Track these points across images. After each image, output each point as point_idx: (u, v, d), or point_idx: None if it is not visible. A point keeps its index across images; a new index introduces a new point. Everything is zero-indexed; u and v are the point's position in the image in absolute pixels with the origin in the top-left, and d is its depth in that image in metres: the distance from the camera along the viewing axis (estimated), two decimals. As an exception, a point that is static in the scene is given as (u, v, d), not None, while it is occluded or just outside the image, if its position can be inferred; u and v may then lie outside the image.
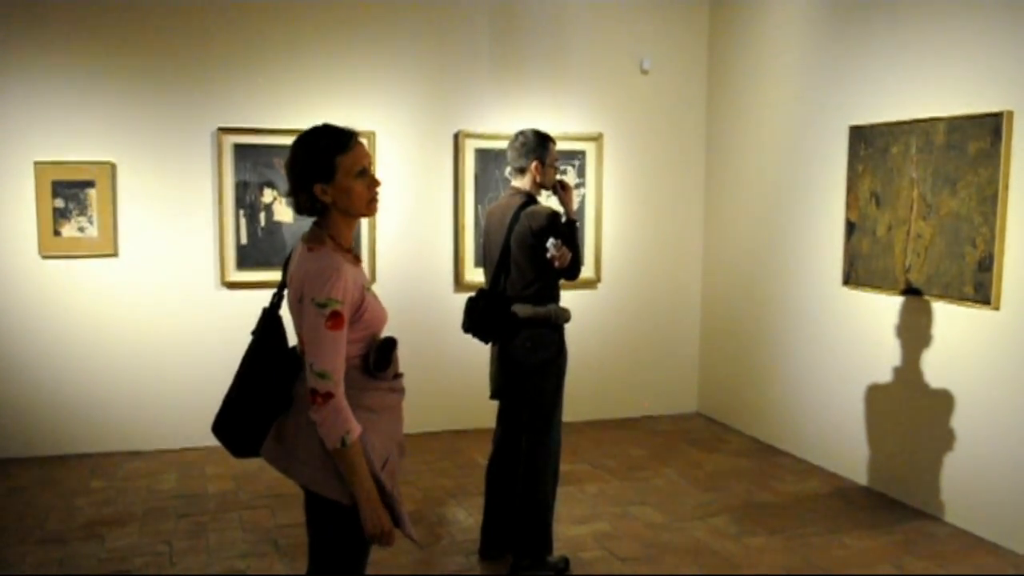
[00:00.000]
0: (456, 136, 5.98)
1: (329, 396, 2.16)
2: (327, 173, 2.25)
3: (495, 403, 4.03)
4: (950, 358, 4.46)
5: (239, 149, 5.60)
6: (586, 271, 6.13)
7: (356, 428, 2.19)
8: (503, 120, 5.98)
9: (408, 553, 4.04)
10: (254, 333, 2.39)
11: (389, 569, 3.88)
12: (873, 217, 4.89)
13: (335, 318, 2.17)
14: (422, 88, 5.93)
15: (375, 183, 2.32)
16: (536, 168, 3.79)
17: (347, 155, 2.26)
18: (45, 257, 5.40)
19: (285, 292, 2.41)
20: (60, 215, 5.39)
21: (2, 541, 4.21)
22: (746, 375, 6.15)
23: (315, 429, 2.22)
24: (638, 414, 6.56)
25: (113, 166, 5.45)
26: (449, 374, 5.98)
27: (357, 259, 2.36)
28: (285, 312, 2.36)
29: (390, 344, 2.35)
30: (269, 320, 2.37)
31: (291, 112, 5.64)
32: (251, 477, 5.00)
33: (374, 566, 2.47)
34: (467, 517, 4.53)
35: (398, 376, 2.40)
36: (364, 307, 2.27)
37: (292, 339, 2.37)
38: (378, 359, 2.33)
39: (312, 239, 2.30)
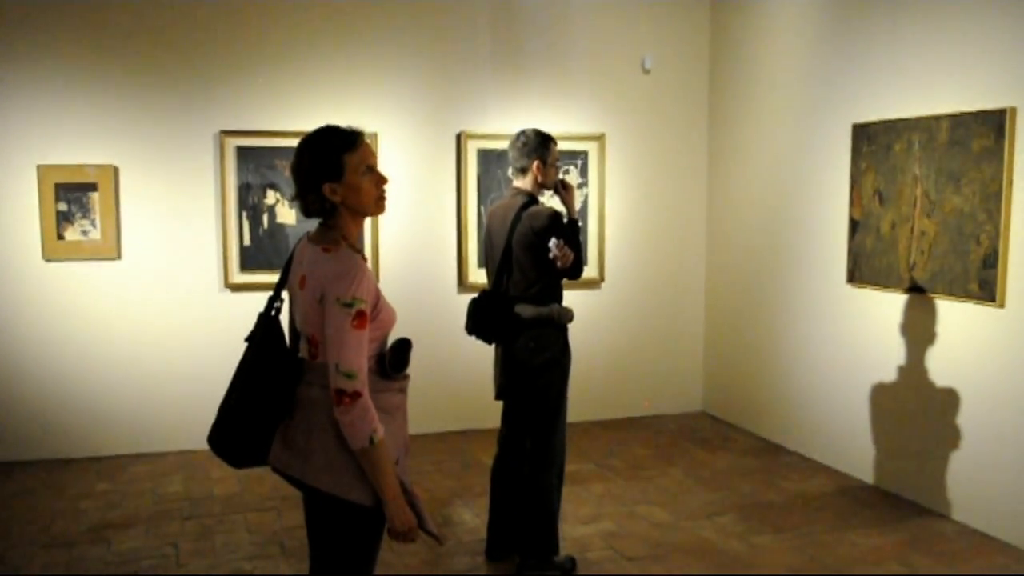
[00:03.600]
0: (458, 137, 5.98)
1: (357, 396, 2.15)
2: (336, 172, 2.25)
3: (500, 403, 4.02)
4: (955, 355, 4.45)
5: (242, 151, 5.61)
6: (589, 271, 6.13)
7: (380, 426, 2.19)
8: (505, 120, 5.98)
9: (415, 554, 4.04)
10: (249, 339, 2.36)
11: (396, 570, 3.88)
12: (877, 215, 4.88)
13: (361, 317, 2.17)
14: (424, 89, 5.93)
15: (383, 180, 2.32)
16: (537, 168, 3.79)
17: (354, 153, 2.26)
18: (48, 260, 5.41)
19: (284, 295, 2.40)
20: (63, 218, 5.40)
21: (8, 544, 4.21)
22: (751, 374, 6.14)
23: (329, 433, 2.21)
24: (643, 414, 6.56)
25: (116, 169, 5.46)
26: (453, 375, 5.97)
27: (365, 259, 2.36)
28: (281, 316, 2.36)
29: (406, 345, 2.35)
30: (268, 325, 2.36)
31: (293, 114, 5.64)
32: (257, 479, 5.00)
33: (381, 566, 2.46)
34: (473, 518, 4.53)
35: (406, 377, 2.40)
36: (380, 307, 2.27)
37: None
38: (396, 360, 2.33)
39: (325, 240, 2.29)
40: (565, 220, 3.74)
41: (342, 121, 2.41)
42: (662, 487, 5.03)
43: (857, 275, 5.05)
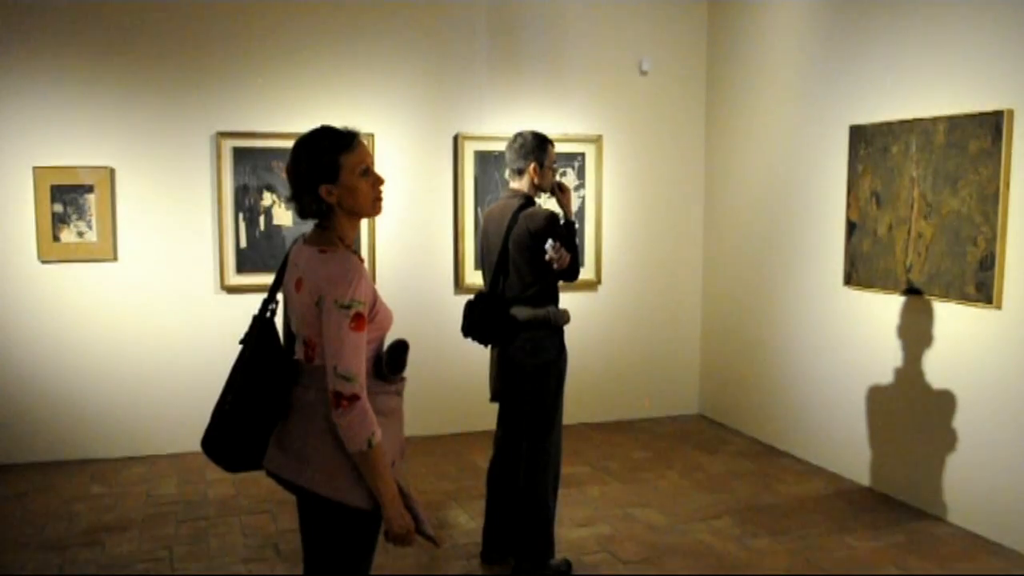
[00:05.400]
0: (455, 138, 5.98)
1: (355, 398, 2.14)
2: (332, 173, 2.23)
3: (495, 406, 4.01)
4: (952, 358, 4.45)
5: (238, 153, 5.60)
6: (586, 273, 6.12)
7: (378, 429, 2.17)
8: (502, 122, 5.97)
9: (410, 557, 4.03)
10: (244, 342, 2.34)
11: (391, 573, 3.86)
12: (874, 217, 4.88)
13: (359, 319, 2.16)
14: (421, 90, 5.92)
15: (379, 181, 2.31)
16: (534, 170, 3.78)
17: (351, 154, 2.25)
18: (44, 262, 5.39)
19: (279, 297, 2.39)
20: (59, 220, 5.38)
21: (2, 547, 4.19)
22: (747, 376, 6.13)
23: (326, 435, 2.19)
24: (639, 416, 6.55)
25: (112, 171, 5.45)
26: (449, 377, 5.96)
27: (361, 260, 2.35)
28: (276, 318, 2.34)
29: (403, 346, 2.33)
30: (263, 327, 2.34)
31: (290, 116, 5.63)
32: (251, 482, 4.97)
33: (375, 569, 2.45)
34: (468, 520, 4.52)
35: (403, 379, 2.38)
36: (377, 308, 2.26)
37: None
38: (393, 361, 2.31)
39: (321, 241, 2.28)
40: (562, 222, 3.74)
41: (339, 122, 2.40)
42: (658, 490, 5.02)
43: (854, 277, 5.05)
